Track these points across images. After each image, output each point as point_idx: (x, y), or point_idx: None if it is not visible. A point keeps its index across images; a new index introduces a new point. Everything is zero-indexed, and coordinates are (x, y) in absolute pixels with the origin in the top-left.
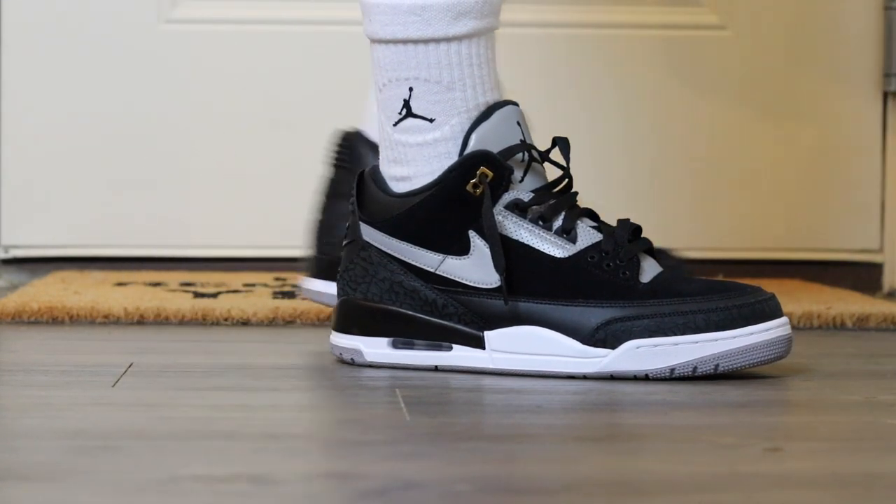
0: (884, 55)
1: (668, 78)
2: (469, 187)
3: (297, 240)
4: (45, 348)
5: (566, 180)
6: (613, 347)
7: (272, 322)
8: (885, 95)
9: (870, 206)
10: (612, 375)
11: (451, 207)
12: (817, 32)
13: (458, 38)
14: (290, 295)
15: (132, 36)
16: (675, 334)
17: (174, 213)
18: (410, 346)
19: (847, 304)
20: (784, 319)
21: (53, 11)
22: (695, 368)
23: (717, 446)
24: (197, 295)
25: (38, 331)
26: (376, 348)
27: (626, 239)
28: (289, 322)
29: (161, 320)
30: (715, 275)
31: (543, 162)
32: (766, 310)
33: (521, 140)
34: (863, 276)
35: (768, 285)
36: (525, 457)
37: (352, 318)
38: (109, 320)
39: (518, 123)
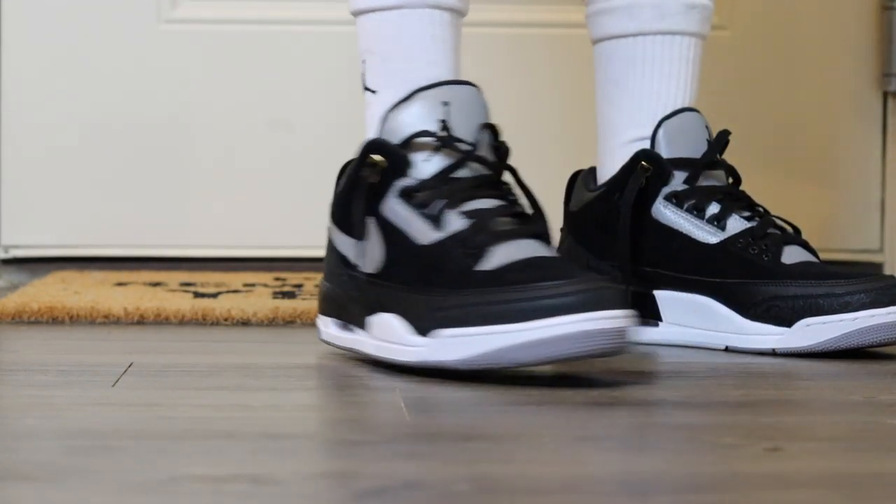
0: (883, 55)
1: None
2: (364, 172)
3: (297, 240)
4: (45, 348)
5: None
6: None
7: (272, 322)
8: (885, 95)
9: (870, 206)
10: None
11: (354, 194)
12: (817, 32)
13: (390, 8)
14: (290, 295)
15: (132, 36)
16: None
17: (174, 213)
18: (350, 330)
19: None
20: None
21: (53, 11)
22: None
23: (717, 446)
24: (197, 295)
25: (38, 331)
26: (328, 328)
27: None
28: (289, 322)
29: (161, 320)
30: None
31: (445, 147)
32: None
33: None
34: None
35: None
36: (525, 457)
37: (320, 296)
38: (109, 320)
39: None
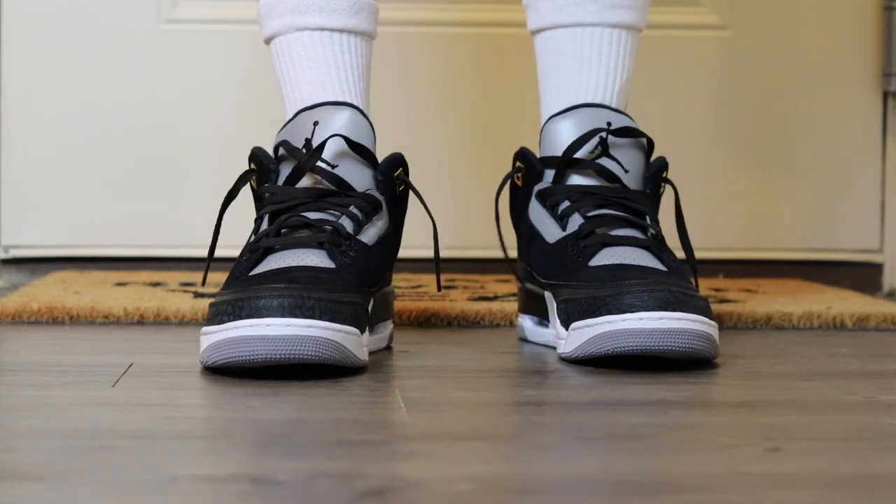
0: (883, 55)
1: (669, 77)
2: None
3: None
4: (45, 348)
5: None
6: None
7: None
8: (885, 95)
9: (870, 206)
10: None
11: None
12: (817, 32)
13: (268, 39)
14: None
15: (132, 36)
16: None
17: (174, 213)
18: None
19: (847, 304)
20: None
21: (53, 11)
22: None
23: (717, 446)
24: (197, 295)
25: (38, 331)
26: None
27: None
28: None
29: (161, 320)
30: (715, 275)
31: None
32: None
33: (306, 139)
34: (863, 276)
35: (768, 285)
36: (525, 457)
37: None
38: (109, 320)
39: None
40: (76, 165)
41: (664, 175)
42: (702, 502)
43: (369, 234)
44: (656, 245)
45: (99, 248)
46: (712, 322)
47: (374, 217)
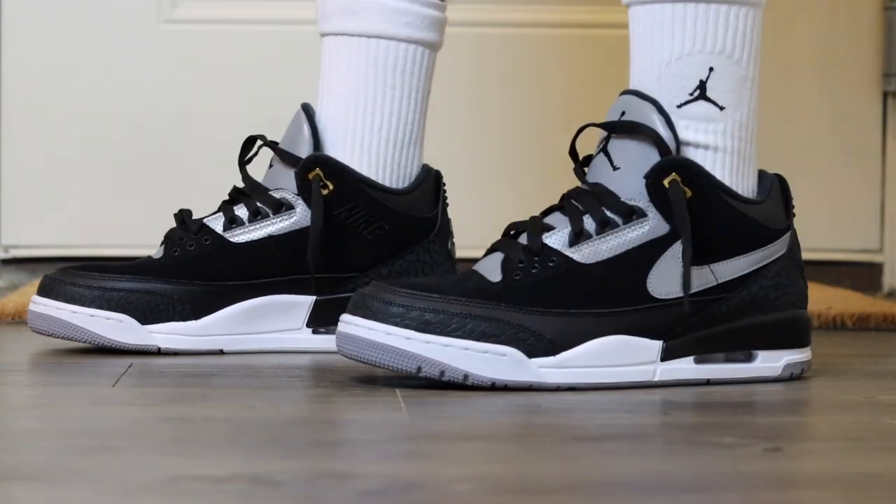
0: (884, 55)
1: None
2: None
3: None
4: (46, 348)
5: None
6: None
7: None
8: (885, 95)
9: (870, 206)
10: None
11: None
12: (817, 32)
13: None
14: None
15: (132, 36)
16: None
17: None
18: None
19: (847, 304)
20: None
21: (53, 11)
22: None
23: (717, 446)
24: None
25: None
26: None
27: None
28: None
29: None
30: None
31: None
32: None
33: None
34: (863, 276)
35: None
36: (525, 457)
37: None
38: None
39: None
40: (76, 166)
41: (670, 180)
42: (702, 502)
43: (256, 231)
44: (528, 253)
45: (99, 248)
46: (402, 331)
47: (276, 216)
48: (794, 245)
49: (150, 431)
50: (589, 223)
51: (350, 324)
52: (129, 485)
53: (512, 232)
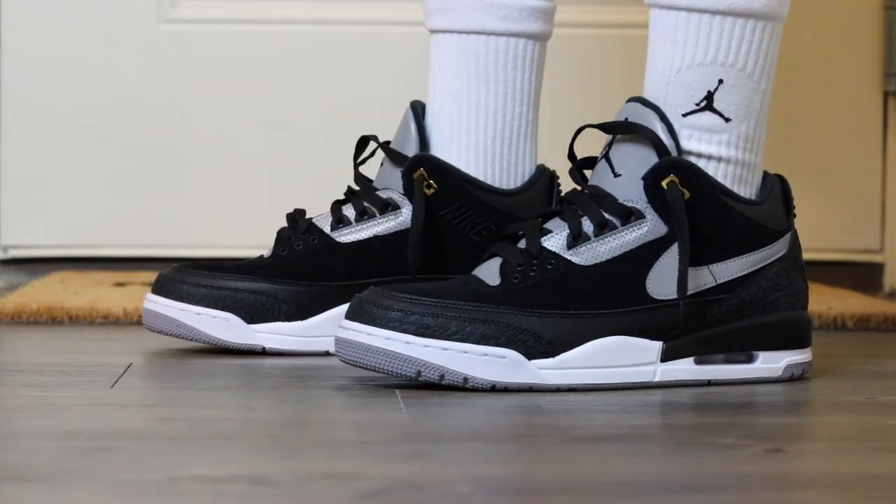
0: (884, 55)
1: None
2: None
3: None
4: (45, 348)
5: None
6: None
7: None
8: (885, 95)
9: (870, 206)
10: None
11: None
12: (817, 32)
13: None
14: None
15: (132, 35)
16: None
17: (174, 213)
18: None
19: (847, 304)
20: None
21: (53, 11)
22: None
23: (717, 446)
24: None
25: (37, 331)
26: None
27: None
28: None
29: None
30: None
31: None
32: None
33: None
34: (863, 276)
35: None
36: (525, 457)
37: None
38: (109, 320)
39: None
40: (76, 165)
41: (668, 181)
42: (702, 502)
43: (362, 231)
44: (526, 256)
45: (99, 248)
46: (401, 335)
47: (382, 216)
48: (795, 246)
49: (150, 431)
50: (587, 225)
51: (349, 329)
52: (128, 485)
53: (510, 236)
